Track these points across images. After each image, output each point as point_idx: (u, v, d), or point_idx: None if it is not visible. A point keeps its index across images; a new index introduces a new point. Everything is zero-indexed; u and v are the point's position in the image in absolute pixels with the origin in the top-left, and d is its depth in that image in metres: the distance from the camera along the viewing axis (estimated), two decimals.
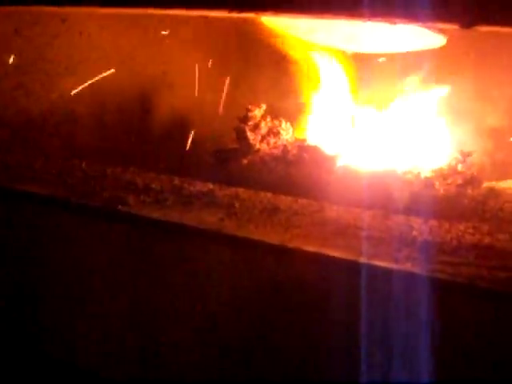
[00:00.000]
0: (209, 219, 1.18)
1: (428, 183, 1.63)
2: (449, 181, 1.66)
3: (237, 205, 1.27)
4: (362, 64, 1.91)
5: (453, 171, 1.67)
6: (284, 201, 1.32)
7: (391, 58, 1.85)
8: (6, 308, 1.38)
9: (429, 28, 1.57)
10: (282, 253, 1.03)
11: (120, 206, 1.22)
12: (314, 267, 1.01)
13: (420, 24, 1.42)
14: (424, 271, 0.95)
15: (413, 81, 1.82)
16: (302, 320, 1.04)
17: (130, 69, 1.93)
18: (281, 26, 1.90)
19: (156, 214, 1.19)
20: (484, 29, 1.20)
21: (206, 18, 1.86)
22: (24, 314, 1.37)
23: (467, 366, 0.90)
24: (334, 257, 0.99)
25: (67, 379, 1.31)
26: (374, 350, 0.96)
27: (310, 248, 1.03)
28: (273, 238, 1.08)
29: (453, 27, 1.26)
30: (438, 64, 1.79)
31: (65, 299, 1.31)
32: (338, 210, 1.27)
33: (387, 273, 0.95)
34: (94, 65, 1.87)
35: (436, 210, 1.51)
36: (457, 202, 1.59)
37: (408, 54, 1.77)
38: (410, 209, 1.43)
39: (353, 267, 0.97)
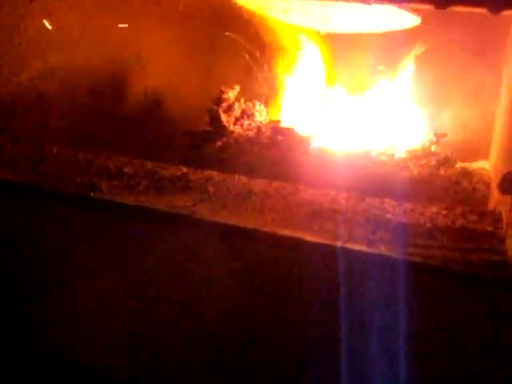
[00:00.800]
0: (182, 204, 1.16)
1: (402, 164, 1.63)
2: (422, 162, 1.66)
3: (210, 189, 1.26)
4: (337, 45, 1.91)
5: (426, 152, 1.68)
6: (258, 184, 1.31)
7: (366, 38, 1.85)
8: None
9: (403, 8, 1.56)
10: (256, 237, 1.02)
11: (92, 192, 1.20)
12: (289, 251, 1.00)
13: (395, 4, 1.41)
14: (398, 254, 0.95)
15: (387, 62, 1.82)
16: (276, 304, 1.03)
17: (102, 51, 1.90)
18: (255, 5, 1.88)
19: (129, 200, 1.17)
20: (458, 9, 1.19)
21: None
22: None
23: (441, 348, 0.91)
24: (309, 241, 0.99)
25: (59, 375, 1.30)
26: (351, 332, 0.96)
27: (285, 232, 1.02)
28: (247, 222, 1.07)
29: (427, 7, 1.26)
30: (412, 45, 1.79)
31: (36, 286, 1.30)
32: (313, 193, 1.26)
33: (362, 256, 0.95)
34: (63, 47, 1.83)
35: (409, 190, 1.52)
36: (430, 183, 1.60)
37: (383, 34, 1.77)
38: (384, 190, 1.44)
39: (328, 251, 0.97)
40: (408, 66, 1.80)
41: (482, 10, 1.19)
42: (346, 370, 0.95)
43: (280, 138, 1.71)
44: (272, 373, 1.05)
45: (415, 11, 1.71)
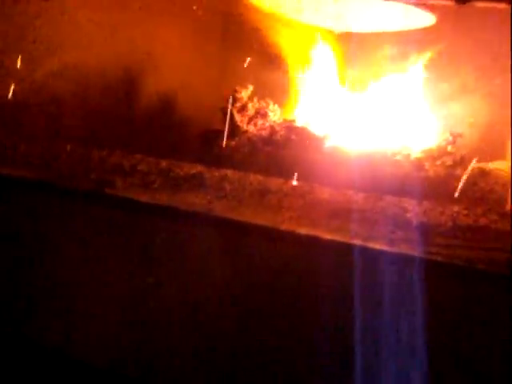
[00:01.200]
0: (198, 201, 1.15)
1: (418, 164, 1.62)
2: (438, 162, 1.65)
3: (226, 187, 1.24)
4: (351, 44, 1.89)
5: (442, 152, 1.66)
6: (274, 182, 1.30)
7: (380, 37, 1.83)
8: None
9: (422, 5, 1.55)
10: (274, 235, 1.01)
11: (107, 189, 1.19)
12: (306, 250, 0.99)
13: (414, 0, 1.40)
14: (420, 253, 0.93)
15: (402, 61, 1.80)
16: (293, 304, 1.02)
17: (114, 49, 1.89)
18: (267, 4, 1.87)
19: (144, 197, 1.16)
20: (480, 4, 1.18)
21: None
22: (11, 301, 1.34)
23: (466, 350, 0.89)
24: (327, 239, 0.97)
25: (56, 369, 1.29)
26: (369, 333, 0.94)
27: (303, 230, 1.01)
28: (264, 220, 1.05)
29: (448, 3, 1.24)
30: (428, 44, 1.77)
31: (52, 285, 1.28)
32: (329, 192, 1.25)
33: (382, 255, 0.93)
34: (76, 45, 1.83)
35: (426, 191, 1.50)
36: (447, 183, 1.58)
37: (397, 33, 1.76)
38: (400, 190, 1.42)
39: (347, 250, 0.95)
40: (424, 65, 1.78)
41: (502, 5, 1.17)
42: (362, 367, 0.94)
43: (294, 137, 1.70)
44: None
45: (431, 9, 1.70)
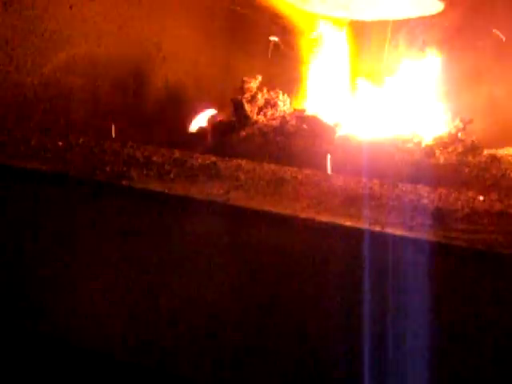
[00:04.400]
0: (215, 191, 1.15)
1: (429, 152, 1.62)
2: (450, 149, 1.65)
3: (242, 176, 1.25)
4: (360, 32, 1.89)
5: (453, 139, 1.67)
6: (289, 172, 1.30)
7: (389, 25, 1.83)
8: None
9: None
10: (294, 223, 1.01)
11: (124, 181, 1.19)
12: (327, 237, 0.99)
13: None
14: (440, 239, 0.93)
15: (412, 48, 1.80)
16: (315, 293, 1.02)
17: (123, 42, 1.89)
18: None
19: (161, 188, 1.17)
20: None
21: None
22: (19, 292, 1.35)
23: (488, 341, 0.89)
24: (347, 226, 0.98)
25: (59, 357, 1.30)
26: (390, 318, 0.95)
27: (323, 218, 1.01)
28: (283, 208, 1.06)
29: None
30: (437, 31, 1.77)
31: (65, 277, 1.29)
32: (345, 180, 1.25)
33: (403, 241, 0.94)
34: (85, 38, 1.83)
35: (438, 178, 1.50)
36: (459, 170, 1.58)
37: (407, 21, 1.76)
38: (413, 177, 1.42)
39: (367, 237, 0.96)
40: (433, 52, 1.78)
41: None
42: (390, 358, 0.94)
43: (305, 126, 1.70)
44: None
45: None
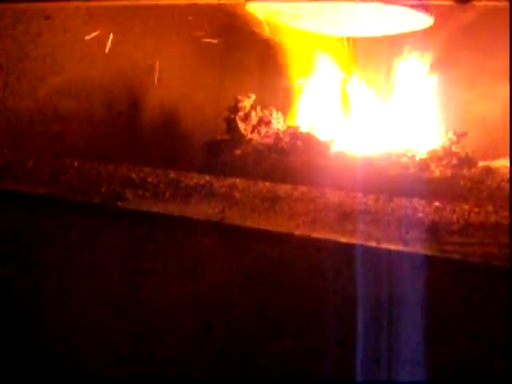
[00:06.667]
0: (210, 211, 1.16)
1: (423, 165, 1.62)
2: (444, 162, 1.65)
3: (237, 195, 1.25)
4: (352, 48, 1.90)
5: (447, 152, 1.67)
6: (283, 189, 1.31)
7: (381, 41, 1.85)
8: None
9: (419, 7, 1.56)
10: (289, 240, 1.02)
11: (119, 202, 1.20)
12: (322, 253, 0.99)
13: (411, 2, 1.41)
14: (436, 252, 0.93)
15: (404, 63, 1.82)
16: (312, 310, 1.02)
17: (116, 64, 1.91)
18: (266, 13, 1.88)
19: (156, 208, 1.17)
20: (481, 3, 1.19)
21: (190, 7, 1.85)
22: (21, 315, 1.34)
23: (489, 355, 0.89)
24: (342, 242, 0.98)
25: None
26: (387, 331, 0.95)
27: (318, 234, 1.01)
28: (279, 226, 1.06)
29: (448, 3, 1.25)
30: (429, 46, 1.78)
31: (63, 299, 1.29)
32: (340, 195, 1.25)
33: (398, 256, 0.94)
34: (79, 62, 1.84)
35: (433, 191, 1.51)
36: (453, 183, 1.59)
37: (398, 36, 1.77)
38: (408, 191, 1.43)
39: (363, 252, 0.96)
40: (425, 66, 1.80)
41: (503, 3, 1.18)
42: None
43: (299, 143, 1.70)
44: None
45: (428, 11, 1.71)
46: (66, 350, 1.28)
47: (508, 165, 1.70)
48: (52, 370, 1.30)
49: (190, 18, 2.03)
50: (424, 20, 1.74)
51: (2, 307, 1.33)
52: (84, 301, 1.24)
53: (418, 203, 1.20)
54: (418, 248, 0.95)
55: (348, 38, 1.88)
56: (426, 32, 1.75)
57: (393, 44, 1.84)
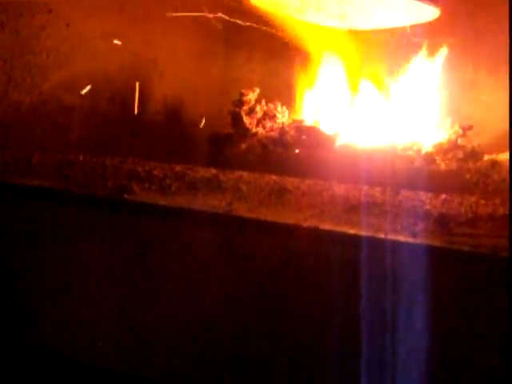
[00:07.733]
0: (217, 203, 1.15)
1: (429, 158, 1.62)
2: (450, 155, 1.65)
3: (243, 188, 1.25)
4: (358, 40, 1.90)
5: (453, 145, 1.67)
6: (290, 182, 1.30)
7: (387, 33, 1.84)
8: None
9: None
10: (298, 233, 1.01)
11: (126, 195, 1.19)
12: (331, 246, 0.99)
13: None
14: (444, 244, 0.93)
15: (410, 56, 1.81)
16: (320, 301, 1.02)
17: (120, 58, 1.90)
18: (270, 5, 1.88)
19: (164, 201, 1.17)
20: None
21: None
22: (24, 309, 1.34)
23: (494, 350, 0.89)
24: (351, 234, 0.98)
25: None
26: (396, 324, 0.95)
27: (326, 226, 1.01)
28: (287, 218, 1.06)
29: None
30: (435, 37, 1.78)
31: (67, 293, 1.29)
32: (347, 188, 1.25)
33: (407, 247, 0.94)
34: (82, 55, 1.83)
35: (440, 184, 1.51)
36: (459, 176, 1.58)
37: (403, 28, 1.76)
38: (414, 184, 1.43)
39: (373, 243, 0.95)
40: (431, 59, 1.79)
41: None
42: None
43: (304, 136, 1.70)
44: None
45: (434, 2, 1.70)
46: (62, 342, 1.28)
47: None
48: (48, 361, 1.30)
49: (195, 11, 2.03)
50: (430, 12, 1.74)
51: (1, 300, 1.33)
52: (87, 294, 1.24)
53: (425, 196, 1.20)
54: (426, 240, 0.94)
55: (354, 31, 1.87)
56: (433, 24, 1.74)
57: (399, 36, 1.83)
